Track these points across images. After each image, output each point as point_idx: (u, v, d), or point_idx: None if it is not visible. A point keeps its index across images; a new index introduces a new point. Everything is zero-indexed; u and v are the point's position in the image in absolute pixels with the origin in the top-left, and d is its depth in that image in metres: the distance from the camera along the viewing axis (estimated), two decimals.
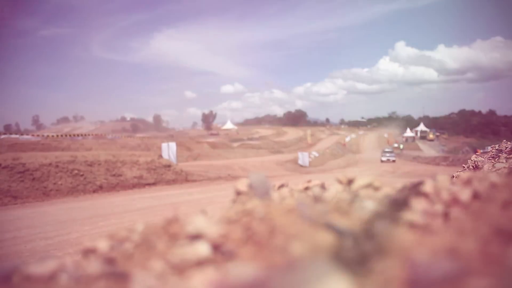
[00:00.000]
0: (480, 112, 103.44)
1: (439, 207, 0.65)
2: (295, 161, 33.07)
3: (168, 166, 19.04)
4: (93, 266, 0.58)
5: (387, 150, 41.72)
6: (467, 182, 0.72)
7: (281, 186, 1.01)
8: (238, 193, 0.83)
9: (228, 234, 0.65)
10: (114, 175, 16.45)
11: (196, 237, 0.65)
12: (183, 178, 18.95)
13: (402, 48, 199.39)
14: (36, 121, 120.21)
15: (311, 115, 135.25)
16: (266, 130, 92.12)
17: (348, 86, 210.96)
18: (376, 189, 0.87)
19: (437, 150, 60.56)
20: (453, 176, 1.74)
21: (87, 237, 7.62)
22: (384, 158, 38.33)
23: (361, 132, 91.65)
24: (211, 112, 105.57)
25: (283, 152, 47.57)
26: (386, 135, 79.28)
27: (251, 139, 68.67)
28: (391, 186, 0.88)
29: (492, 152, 2.45)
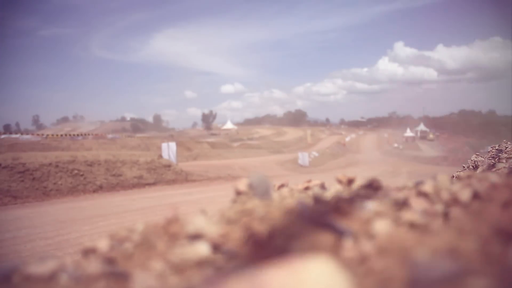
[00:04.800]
0: (480, 112, 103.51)
1: (439, 207, 0.65)
2: (295, 161, 33.07)
3: (168, 166, 19.04)
4: (93, 266, 0.58)
5: None
6: (467, 182, 0.72)
7: (281, 186, 1.01)
8: (238, 193, 0.83)
9: (228, 234, 0.65)
10: (114, 175, 16.46)
11: (196, 237, 0.65)
12: (183, 178, 18.96)
13: (400, 48, 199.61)
14: (36, 121, 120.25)
15: (311, 115, 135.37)
16: (266, 130, 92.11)
17: (348, 86, 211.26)
18: (376, 189, 0.87)
19: (437, 150, 60.52)
20: (453, 176, 1.74)
21: (87, 237, 7.62)
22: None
23: (361, 132, 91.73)
24: (211, 112, 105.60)
25: (283, 152, 47.57)
26: (386, 135, 79.29)
27: (251, 139, 68.66)
28: (391, 186, 0.88)
29: (492, 152, 2.45)
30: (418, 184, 0.76)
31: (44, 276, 0.56)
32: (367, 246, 0.56)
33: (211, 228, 0.66)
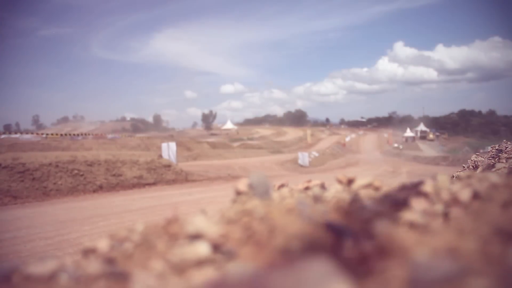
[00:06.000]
0: (480, 112, 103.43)
1: (439, 207, 0.65)
2: (295, 161, 33.06)
3: (168, 166, 19.04)
4: (93, 266, 0.58)
5: None
6: (467, 182, 0.72)
7: (281, 186, 1.01)
8: (238, 193, 0.83)
9: (228, 234, 0.65)
10: (114, 175, 16.46)
11: (196, 237, 0.65)
12: (183, 178, 18.96)
13: (400, 48, 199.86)
14: (36, 121, 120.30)
15: (311, 115, 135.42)
16: (266, 130, 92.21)
17: (348, 86, 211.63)
18: (376, 189, 0.87)
19: (437, 150, 60.50)
20: (453, 176, 1.74)
21: (87, 237, 7.62)
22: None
23: (361, 132, 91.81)
24: (211, 112, 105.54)
25: (283, 152, 47.58)
26: (386, 135, 79.31)
27: (251, 139, 68.69)
28: (391, 186, 0.88)
29: (492, 152, 2.45)
30: (418, 184, 0.76)
31: (44, 276, 0.56)
32: (367, 246, 0.56)
33: (211, 228, 0.66)
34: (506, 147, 2.45)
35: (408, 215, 0.62)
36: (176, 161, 22.06)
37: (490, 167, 1.74)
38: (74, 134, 38.85)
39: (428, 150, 59.45)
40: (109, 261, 0.61)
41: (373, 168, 30.12)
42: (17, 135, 34.15)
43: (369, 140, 73.84)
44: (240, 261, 0.58)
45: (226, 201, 0.84)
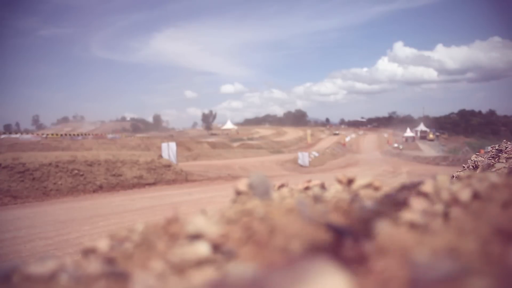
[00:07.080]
0: (480, 112, 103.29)
1: (439, 207, 0.65)
2: (295, 161, 33.07)
3: (168, 166, 19.04)
4: (93, 266, 0.58)
5: None
6: (467, 182, 0.72)
7: (281, 186, 1.01)
8: (238, 193, 0.83)
9: (228, 234, 0.65)
10: (114, 175, 16.45)
11: (196, 237, 0.65)
12: (183, 178, 18.95)
13: (400, 48, 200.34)
14: (36, 121, 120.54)
15: (311, 115, 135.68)
16: (266, 130, 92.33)
17: (348, 86, 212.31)
18: (376, 189, 0.87)
19: (437, 150, 60.47)
20: (453, 176, 1.74)
21: (87, 237, 7.62)
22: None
23: (361, 132, 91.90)
24: (211, 112, 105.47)
25: (283, 152, 47.59)
26: (386, 135, 79.31)
27: (251, 139, 68.71)
28: (391, 186, 0.88)
29: (492, 152, 2.44)
30: (418, 184, 0.76)
31: (44, 276, 0.56)
32: (367, 246, 0.56)
33: (211, 228, 0.66)
34: (506, 147, 2.45)
35: (408, 215, 0.62)
36: (176, 161, 22.05)
37: (490, 167, 1.74)
38: (74, 134, 38.85)
39: (428, 150, 59.39)
40: (109, 261, 0.61)
41: (373, 168, 30.08)
42: (17, 135, 34.17)
43: (369, 140, 73.81)
44: (240, 261, 0.58)
45: (226, 201, 0.84)
